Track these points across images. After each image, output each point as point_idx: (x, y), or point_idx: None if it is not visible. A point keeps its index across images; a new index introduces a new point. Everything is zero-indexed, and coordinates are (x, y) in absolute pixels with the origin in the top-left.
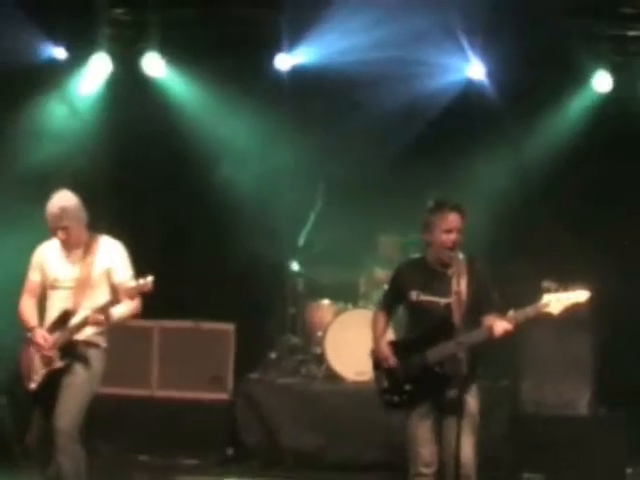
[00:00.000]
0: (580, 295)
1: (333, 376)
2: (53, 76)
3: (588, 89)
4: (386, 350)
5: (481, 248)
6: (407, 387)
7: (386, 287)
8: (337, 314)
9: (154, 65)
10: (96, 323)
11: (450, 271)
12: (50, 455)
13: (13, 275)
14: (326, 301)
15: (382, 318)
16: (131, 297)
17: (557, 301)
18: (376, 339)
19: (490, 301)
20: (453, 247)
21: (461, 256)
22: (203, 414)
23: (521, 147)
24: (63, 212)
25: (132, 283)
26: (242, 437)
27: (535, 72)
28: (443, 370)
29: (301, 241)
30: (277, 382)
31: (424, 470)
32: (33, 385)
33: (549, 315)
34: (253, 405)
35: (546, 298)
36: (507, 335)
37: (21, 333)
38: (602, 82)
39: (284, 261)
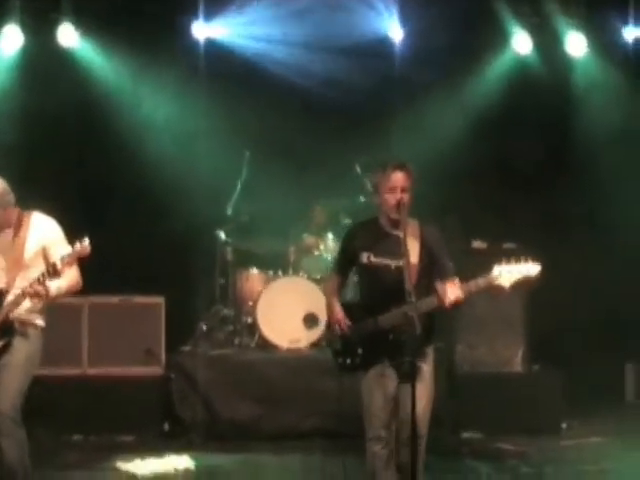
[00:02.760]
0: (531, 269)
1: (266, 345)
2: None
3: (508, 51)
4: (339, 313)
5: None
6: (360, 350)
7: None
8: (267, 283)
9: (68, 36)
10: (35, 294)
11: (400, 232)
12: None
13: None
14: (255, 270)
15: (334, 280)
16: (70, 264)
17: (508, 273)
18: (328, 302)
19: (443, 266)
20: (399, 206)
21: (413, 220)
22: (137, 390)
23: (445, 108)
24: None
25: (68, 250)
26: (178, 411)
27: (455, 34)
28: (396, 336)
29: (229, 210)
30: (210, 354)
31: (381, 432)
32: None
33: (500, 288)
34: (187, 378)
35: (496, 270)
36: (458, 304)
37: None
38: (522, 43)
39: (212, 231)
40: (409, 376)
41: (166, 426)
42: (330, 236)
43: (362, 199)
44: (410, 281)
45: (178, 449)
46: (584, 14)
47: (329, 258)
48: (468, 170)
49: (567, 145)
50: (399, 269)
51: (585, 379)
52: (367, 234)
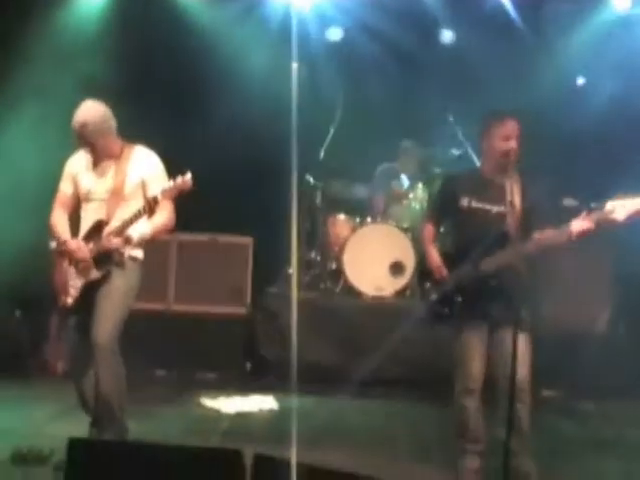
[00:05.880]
0: None
1: (351, 291)
2: None
3: (607, 9)
4: (437, 260)
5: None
6: (458, 298)
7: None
8: (354, 230)
9: None
10: (113, 247)
11: (505, 180)
12: (85, 371)
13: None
14: (342, 216)
15: (430, 228)
16: (170, 197)
17: (622, 207)
18: (426, 249)
19: (543, 215)
20: (511, 155)
21: (514, 171)
22: (221, 328)
23: (541, 65)
24: (83, 128)
25: (170, 183)
26: (261, 351)
27: None
28: (499, 282)
29: (321, 154)
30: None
31: (472, 385)
32: (70, 300)
33: (614, 222)
34: (272, 319)
35: (610, 205)
36: (586, 234)
37: (42, 245)
38: (621, 2)
39: (302, 174)
40: (510, 323)
41: (248, 366)
42: (420, 185)
43: (454, 151)
44: (514, 228)
45: (260, 389)
46: None
47: (418, 207)
48: (561, 129)
49: None
50: (500, 214)
51: None
52: (468, 180)
